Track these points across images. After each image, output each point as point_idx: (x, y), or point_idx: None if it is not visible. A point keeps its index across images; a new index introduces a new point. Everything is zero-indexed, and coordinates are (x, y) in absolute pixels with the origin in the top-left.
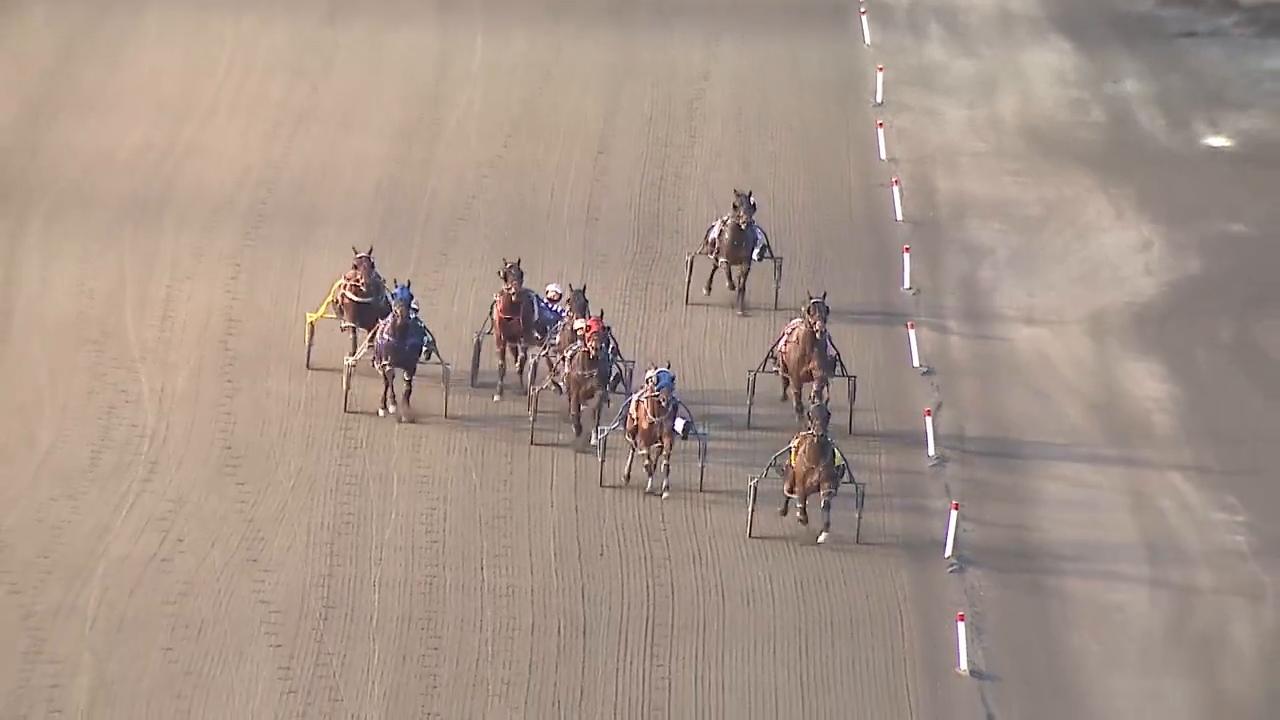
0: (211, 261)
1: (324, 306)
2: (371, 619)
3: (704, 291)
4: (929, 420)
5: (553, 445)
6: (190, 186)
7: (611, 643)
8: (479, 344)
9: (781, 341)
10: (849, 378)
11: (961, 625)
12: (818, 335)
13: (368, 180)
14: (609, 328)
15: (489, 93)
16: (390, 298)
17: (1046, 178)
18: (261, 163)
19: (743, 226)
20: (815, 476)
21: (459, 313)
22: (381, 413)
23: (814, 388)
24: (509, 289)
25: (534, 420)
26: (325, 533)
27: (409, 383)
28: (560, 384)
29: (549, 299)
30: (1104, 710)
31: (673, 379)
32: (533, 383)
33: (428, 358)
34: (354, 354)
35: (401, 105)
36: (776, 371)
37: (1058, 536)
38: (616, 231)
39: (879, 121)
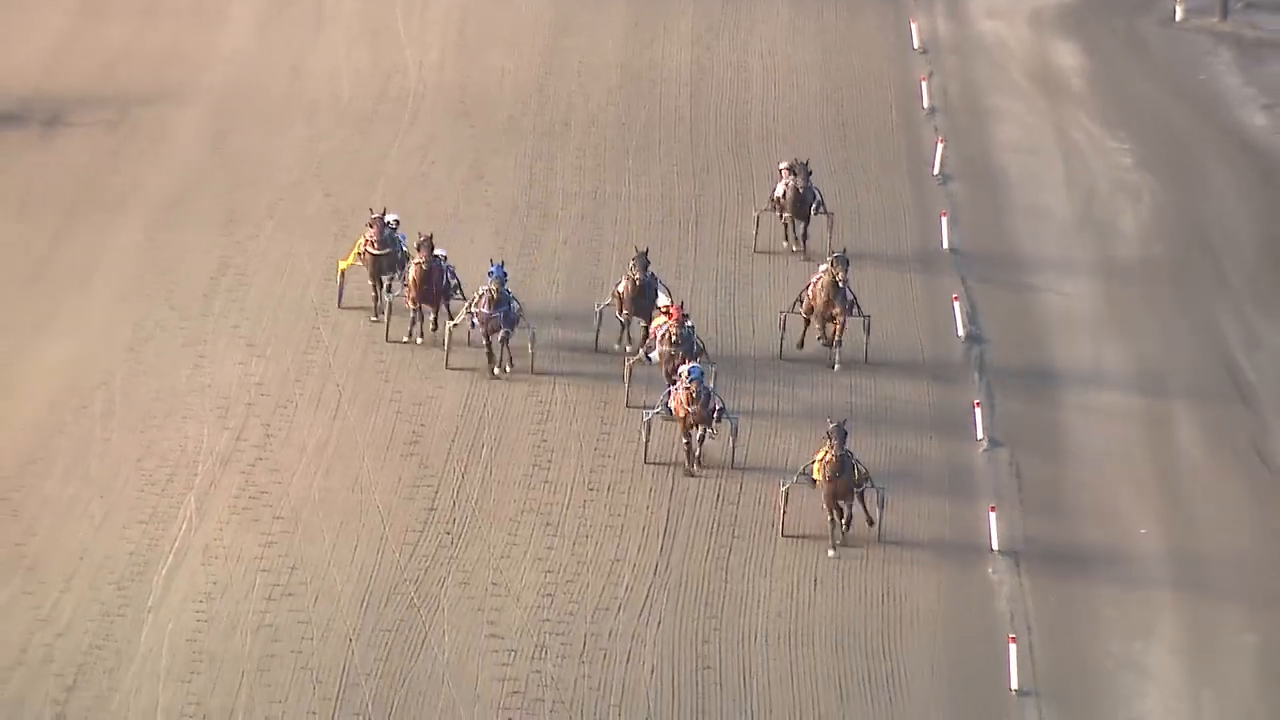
0: None
1: (351, 257)
2: (557, 213)
3: (785, 243)
4: (924, 84)
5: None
6: None
7: None
8: (600, 315)
9: (808, 287)
10: (864, 317)
11: (944, 220)
12: (839, 284)
13: None
14: (688, 315)
15: None
16: (487, 275)
17: None
18: None
19: (801, 189)
20: (836, 488)
21: (590, 82)
22: (496, 371)
23: (834, 327)
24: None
25: (628, 385)
26: (526, 159)
27: (506, 345)
28: (652, 358)
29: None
30: (1033, 276)
31: (703, 373)
32: (634, 351)
33: (517, 324)
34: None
35: None
36: (800, 313)
37: (1007, 159)
38: None
39: None
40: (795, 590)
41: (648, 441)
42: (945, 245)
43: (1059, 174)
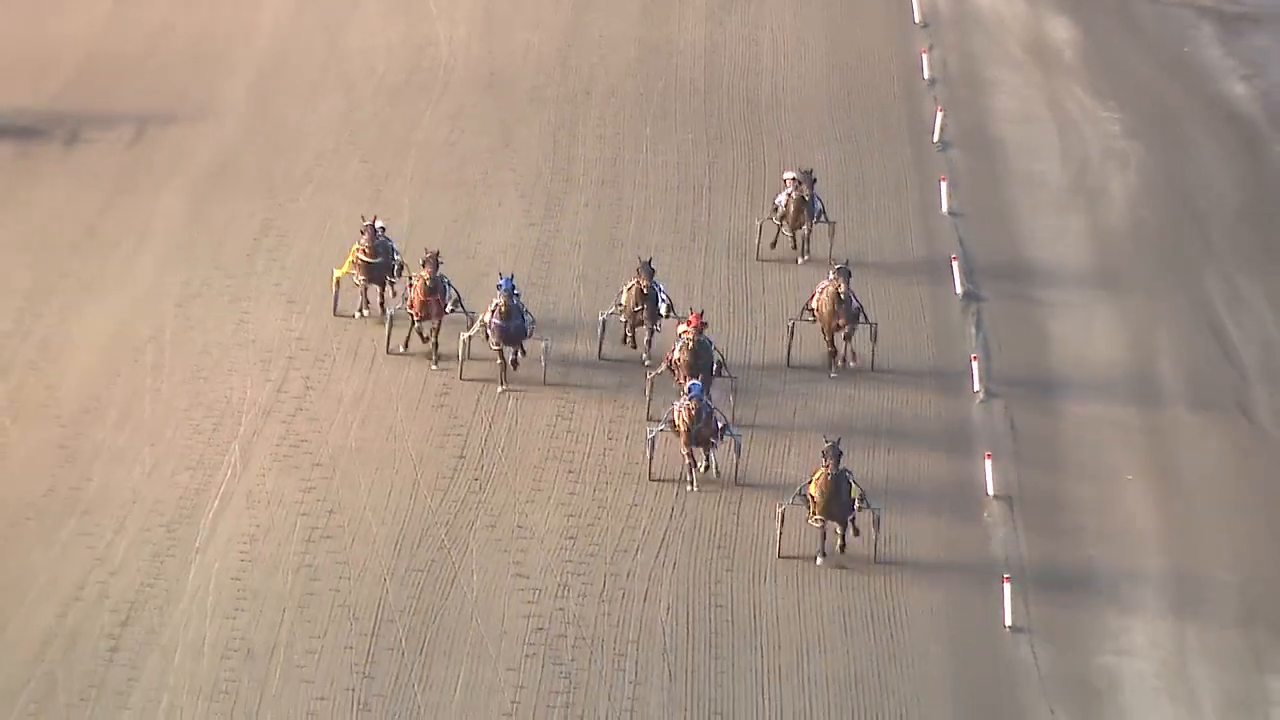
0: None
1: (346, 265)
2: (579, 179)
3: (770, 248)
4: (924, 57)
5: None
6: None
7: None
8: (604, 323)
9: (814, 299)
10: (871, 324)
11: (944, 185)
12: (842, 296)
13: None
14: (706, 324)
15: None
16: (497, 288)
17: None
18: None
19: (805, 198)
20: (831, 508)
21: (610, 55)
22: (501, 389)
23: (841, 337)
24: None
25: (649, 399)
26: (550, 127)
27: (516, 357)
28: (673, 369)
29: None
30: (1028, 238)
31: (703, 389)
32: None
33: (529, 336)
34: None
35: None
36: (811, 320)
37: (1004, 128)
38: None
39: None
40: (802, 533)
41: (651, 458)
42: (945, 209)
43: (1052, 142)
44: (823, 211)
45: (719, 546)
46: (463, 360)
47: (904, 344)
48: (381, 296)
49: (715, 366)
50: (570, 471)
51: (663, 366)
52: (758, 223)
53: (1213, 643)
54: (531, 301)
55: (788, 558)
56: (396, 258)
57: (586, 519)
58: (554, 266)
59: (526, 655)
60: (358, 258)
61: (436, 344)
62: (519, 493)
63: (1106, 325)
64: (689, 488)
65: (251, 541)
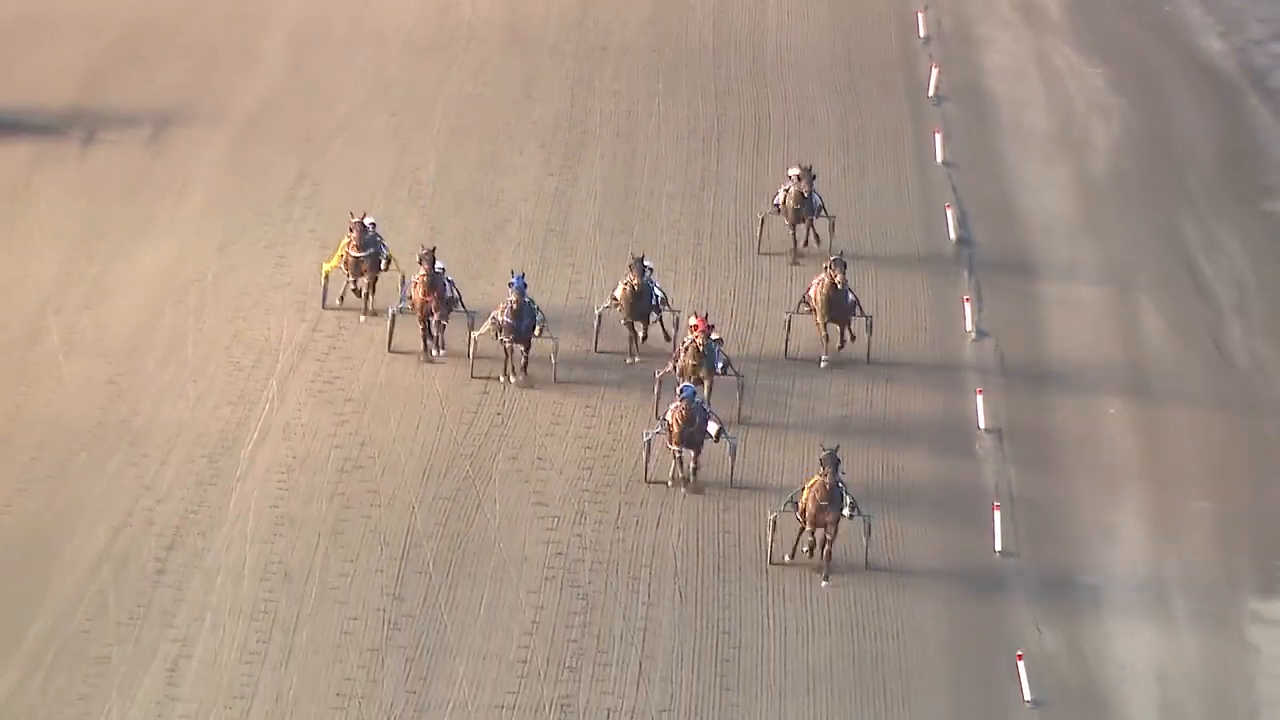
0: None
1: (335, 259)
2: (596, 131)
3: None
4: (920, 17)
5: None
6: None
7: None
8: (600, 317)
9: (811, 290)
10: (866, 317)
11: (938, 137)
12: (839, 286)
13: None
14: (713, 325)
15: None
16: (509, 285)
17: None
18: None
19: (805, 194)
20: (825, 516)
21: (625, 13)
22: (502, 379)
23: (838, 329)
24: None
25: (658, 397)
26: (568, 82)
27: (526, 355)
28: (679, 371)
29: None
30: (1017, 186)
31: (695, 392)
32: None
33: (539, 334)
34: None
35: None
36: (807, 311)
37: (995, 83)
38: None
39: None
40: (803, 465)
41: (648, 461)
42: (939, 159)
43: (1040, 96)
44: (822, 207)
45: (727, 477)
46: (472, 358)
47: (899, 289)
48: (371, 289)
49: (721, 367)
50: (587, 406)
51: (670, 366)
52: (759, 216)
53: (1189, 566)
54: (550, 247)
55: (780, 565)
56: (385, 252)
57: (603, 451)
58: (571, 214)
59: (546, 579)
60: (346, 253)
61: (440, 339)
62: (539, 426)
63: (1090, 266)
64: (671, 485)
65: (288, 471)
